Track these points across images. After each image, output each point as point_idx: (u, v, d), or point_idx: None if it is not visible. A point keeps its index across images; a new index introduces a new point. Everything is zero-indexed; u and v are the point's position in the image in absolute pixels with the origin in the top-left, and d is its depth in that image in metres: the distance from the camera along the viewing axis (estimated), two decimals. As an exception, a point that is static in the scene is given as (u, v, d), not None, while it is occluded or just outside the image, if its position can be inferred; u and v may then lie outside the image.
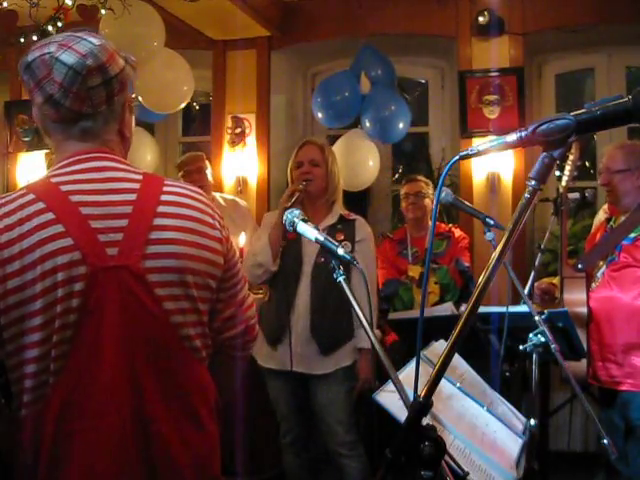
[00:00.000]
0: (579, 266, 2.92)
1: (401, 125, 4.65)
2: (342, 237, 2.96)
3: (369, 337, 1.46)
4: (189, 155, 4.09)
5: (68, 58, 1.34)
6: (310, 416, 3.06)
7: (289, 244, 2.94)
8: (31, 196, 1.33)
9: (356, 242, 3.00)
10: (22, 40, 3.81)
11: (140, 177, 1.42)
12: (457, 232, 3.94)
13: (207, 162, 4.03)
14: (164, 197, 1.41)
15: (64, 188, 1.35)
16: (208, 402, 1.46)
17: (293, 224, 1.66)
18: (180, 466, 1.37)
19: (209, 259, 1.43)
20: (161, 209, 1.39)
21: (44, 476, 1.31)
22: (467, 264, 3.77)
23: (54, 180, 1.37)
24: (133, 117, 1.53)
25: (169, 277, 1.37)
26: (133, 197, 1.38)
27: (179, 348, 1.39)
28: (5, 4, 3.60)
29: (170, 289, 1.37)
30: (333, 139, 4.88)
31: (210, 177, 3.98)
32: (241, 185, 5.13)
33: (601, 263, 2.91)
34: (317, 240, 1.59)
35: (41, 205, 1.32)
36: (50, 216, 1.31)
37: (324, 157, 3.05)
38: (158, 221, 1.37)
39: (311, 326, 2.90)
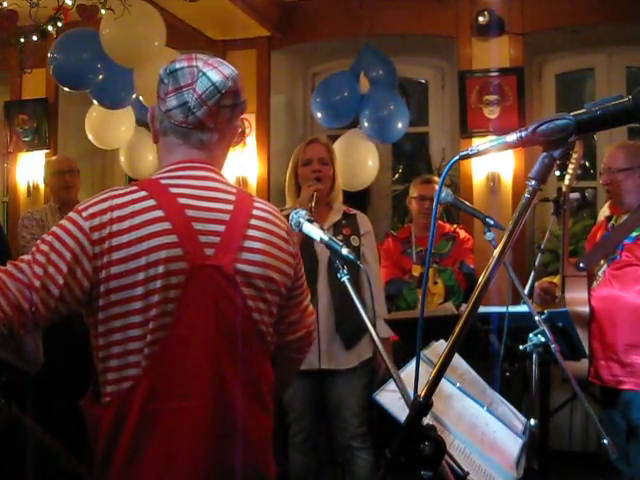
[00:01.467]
0: (580, 265, 2.92)
1: (400, 125, 4.65)
2: (349, 232, 3.04)
3: (372, 338, 1.46)
4: None
5: (214, 76, 1.52)
6: (321, 415, 3.07)
7: (302, 244, 2.94)
8: (143, 193, 1.48)
9: (361, 235, 3.08)
10: (22, 40, 3.81)
11: (235, 191, 1.61)
12: (462, 233, 3.93)
13: None
14: (255, 212, 1.60)
15: (173, 190, 1.51)
16: (271, 390, 1.63)
17: (299, 224, 1.66)
18: (254, 445, 1.55)
19: (284, 270, 1.63)
20: (253, 222, 1.58)
21: (124, 454, 1.43)
22: (472, 266, 3.77)
23: (163, 182, 1.53)
24: None
25: (253, 281, 1.55)
26: (230, 207, 1.56)
27: (257, 342, 1.57)
28: (5, 4, 3.60)
29: (252, 291, 1.55)
30: (332, 139, 4.87)
31: None
32: (241, 185, 5.13)
33: (602, 262, 2.91)
34: (322, 240, 1.60)
35: (152, 202, 1.47)
36: (159, 213, 1.46)
37: (331, 156, 3.10)
38: (250, 232, 1.56)
39: (336, 322, 2.96)
